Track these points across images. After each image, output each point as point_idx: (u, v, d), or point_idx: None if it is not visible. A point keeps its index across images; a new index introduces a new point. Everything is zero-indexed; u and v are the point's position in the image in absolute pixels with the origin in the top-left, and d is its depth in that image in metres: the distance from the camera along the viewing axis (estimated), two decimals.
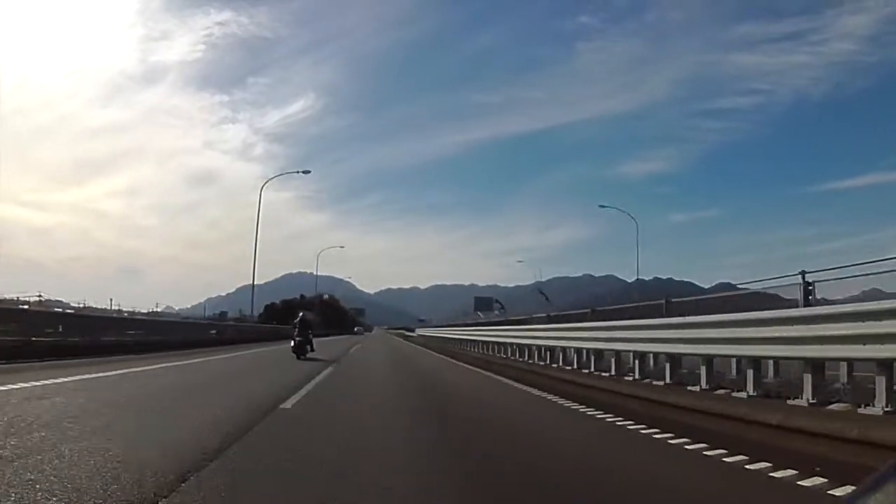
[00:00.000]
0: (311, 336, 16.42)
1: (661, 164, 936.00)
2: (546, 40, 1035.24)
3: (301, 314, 17.05)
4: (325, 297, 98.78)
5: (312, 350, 16.29)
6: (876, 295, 5.85)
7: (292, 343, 15.94)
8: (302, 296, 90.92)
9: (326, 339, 44.80)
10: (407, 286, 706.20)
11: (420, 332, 55.94)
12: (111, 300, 50.63)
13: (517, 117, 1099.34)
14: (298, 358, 15.13)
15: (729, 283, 20.04)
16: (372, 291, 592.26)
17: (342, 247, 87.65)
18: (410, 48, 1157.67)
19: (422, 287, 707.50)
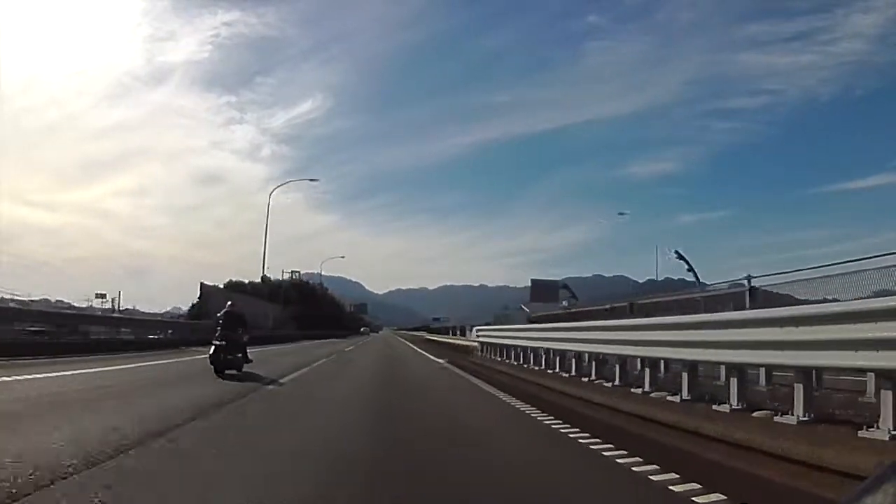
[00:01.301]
0: (244, 339, 11.41)
1: (669, 165, 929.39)
2: (554, 41, 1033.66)
3: (228, 304, 11.65)
4: (292, 274, 66.64)
5: (248, 361, 11.38)
6: (884, 294, 6.10)
7: (211, 349, 10.64)
8: (264, 277, 56.72)
9: (307, 343, 33.85)
10: (416, 286, 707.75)
11: (484, 334, 22.14)
12: (112, 300, 50.69)
13: (525, 118, 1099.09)
14: (219, 374, 10.26)
15: (738, 284, 20.31)
16: (380, 292, 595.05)
17: (315, 179, 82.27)
18: (418, 49, 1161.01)
19: (430, 287, 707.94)
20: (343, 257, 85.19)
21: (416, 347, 34.14)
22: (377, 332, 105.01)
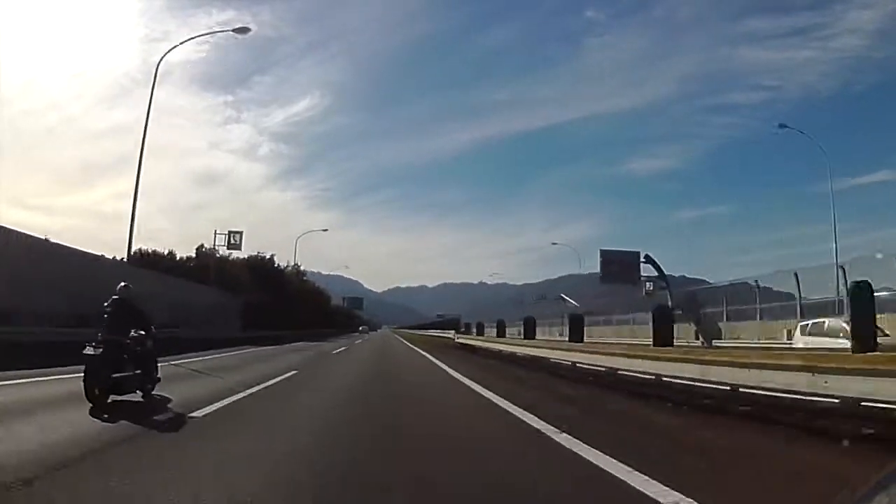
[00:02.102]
0: (148, 344, 7.27)
1: (668, 161, 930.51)
2: (553, 37, 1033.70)
3: (121, 286, 7.47)
4: (229, 238, 39.95)
5: (154, 381, 7.21)
6: None
7: (86, 364, 6.34)
8: (202, 249, 41.38)
9: (267, 349, 22.14)
10: (415, 284, 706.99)
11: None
12: None
13: (525, 115, 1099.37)
14: (96, 403, 6.09)
15: (745, 283, 18.82)
16: (380, 290, 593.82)
17: (246, 29, 51.06)
18: (417, 46, 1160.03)
19: (430, 286, 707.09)
20: (326, 230, 58.91)
21: (423, 357, 19.56)
22: (375, 331, 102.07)
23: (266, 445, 4.81)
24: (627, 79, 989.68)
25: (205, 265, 37.95)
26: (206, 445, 4.82)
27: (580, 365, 11.45)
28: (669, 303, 10.10)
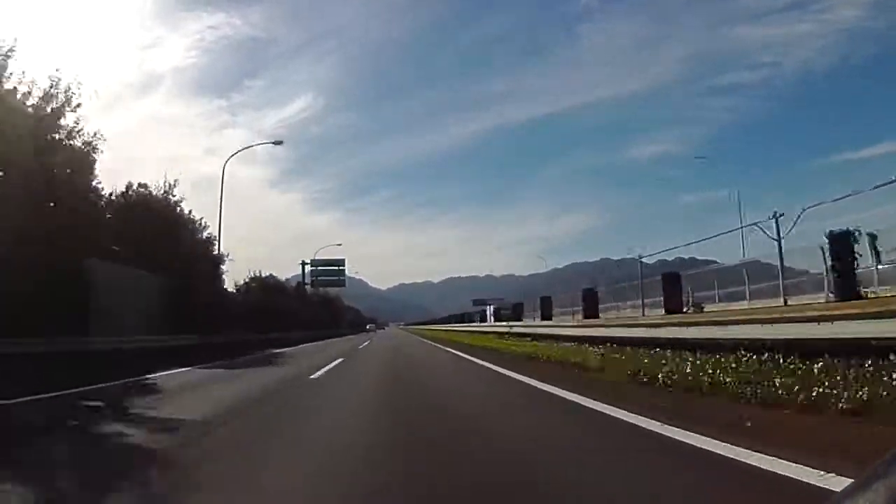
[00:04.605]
0: None
1: (670, 146, 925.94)
2: (548, 26, 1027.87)
3: None
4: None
5: None
6: None
7: None
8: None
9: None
10: (420, 280, 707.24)
11: None
12: None
13: (522, 105, 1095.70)
14: None
15: (757, 261, 18.61)
16: (384, 288, 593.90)
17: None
18: (410, 40, 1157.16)
19: (435, 281, 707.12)
20: (340, 244, 41.60)
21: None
22: (383, 329, 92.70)
23: None
24: (625, 64, 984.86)
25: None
26: None
27: None
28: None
